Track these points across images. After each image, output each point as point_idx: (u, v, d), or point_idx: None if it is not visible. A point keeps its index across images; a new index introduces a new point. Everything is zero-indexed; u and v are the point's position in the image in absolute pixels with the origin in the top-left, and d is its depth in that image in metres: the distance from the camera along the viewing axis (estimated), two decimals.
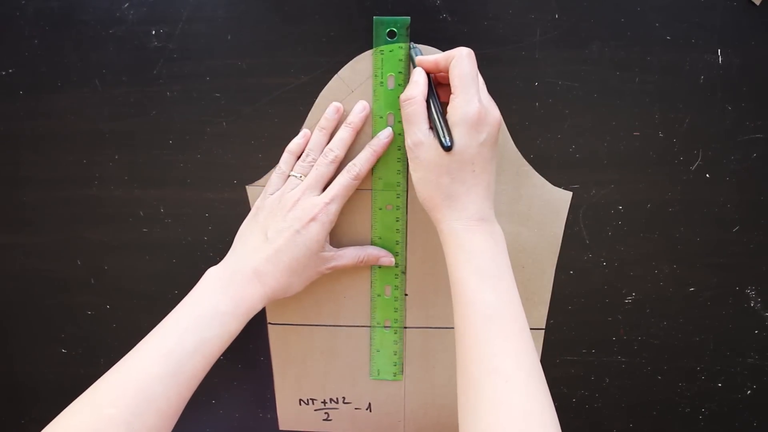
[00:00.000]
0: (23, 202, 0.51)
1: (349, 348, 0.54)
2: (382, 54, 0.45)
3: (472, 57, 0.41)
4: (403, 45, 0.45)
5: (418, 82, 0.43)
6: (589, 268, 0.51)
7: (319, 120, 0.47)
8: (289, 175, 0.47)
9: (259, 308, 0.45)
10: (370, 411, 0.56)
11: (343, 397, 0.56)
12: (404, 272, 0.51)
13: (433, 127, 0.42)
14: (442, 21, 0.44)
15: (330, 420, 0.57)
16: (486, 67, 0.45)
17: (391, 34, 0.45)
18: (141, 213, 0.51)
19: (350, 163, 0.46)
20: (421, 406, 0.55)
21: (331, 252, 0.47)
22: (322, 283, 0.50)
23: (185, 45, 0.46)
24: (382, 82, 0.46)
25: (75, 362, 0.56)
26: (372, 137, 0.47)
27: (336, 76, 0.46)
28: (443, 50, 0.45)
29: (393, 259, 0.50)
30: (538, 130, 0.47)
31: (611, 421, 0.56)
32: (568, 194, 0.49)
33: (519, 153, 0.47)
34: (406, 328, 0.53)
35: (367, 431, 0.57)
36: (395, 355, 0.53)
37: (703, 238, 0.50)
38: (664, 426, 0.56)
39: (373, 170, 0.48)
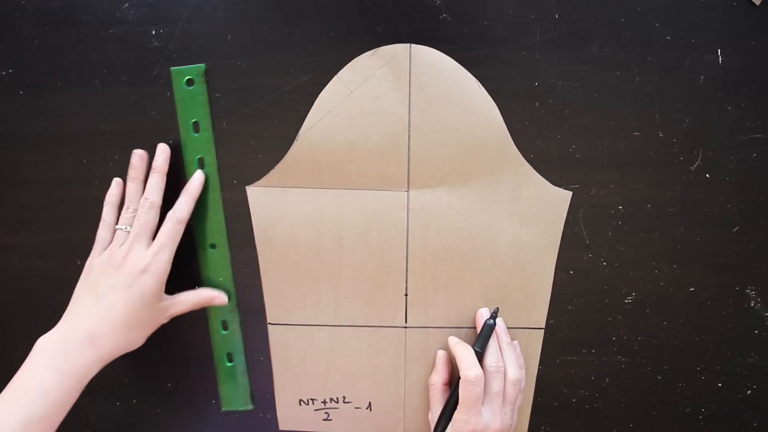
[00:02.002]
0: (23, 202, 0.51)
1: (349, 348, 0.54)
2: (184, 102, 0.47)
3: (479, 381, 0.47)
4: (202, 91, 0.47)
5: (438, 368, 0.52)
6: (589, 268, 0.51)
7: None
8: (116, 229, 0.47)
9: (92, 374, 0.44)
10: (371, 410, 0.56)
11: (344, 397, 0.56)
12: (236, 307, 0.53)
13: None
14: (442, 21, 0.44)
15: (330, 420, 0.57)
16: (486, 67, 0.45)
17: (190, 82, 0.46)
18: None
19: (171, 211, 0.47)
20: (421, 406, 0.55)
21: (167, 300, 0.48)
22: (323, 283, 0.50)
23: (185, 45, 0.46)
24: (188, 129, 0.48)
25: None
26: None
27: (335, 77, 0.46)
28: (443, 50, 0.45)
29: (225, 298, 0.51)
30: (538, 130, 0.47)
31: (611, 421, 0.56)
32: (568, 194, 0.49)
33: (519, 153, 0.47)
34: (406, 327, 0.53)
35: (367, 431, 0.57)
36: (242, 386, 0.55)
37: (703, 238, 0.50)
38: (664, 426, 0.56)
39: (193, 214, 0.49)
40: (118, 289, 0.45)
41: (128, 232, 0.46)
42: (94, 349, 0.44)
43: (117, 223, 0.47)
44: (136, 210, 0.47)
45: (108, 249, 0.47)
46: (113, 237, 0.47)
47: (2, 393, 0.42)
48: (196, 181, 0.48)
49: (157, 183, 0.47)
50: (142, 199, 0.47)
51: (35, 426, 0.40)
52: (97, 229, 0.48)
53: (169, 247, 0.46)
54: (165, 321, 0.48)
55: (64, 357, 0.43)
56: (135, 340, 0.46)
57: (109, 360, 0.45)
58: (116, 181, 0.48)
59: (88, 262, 0.48)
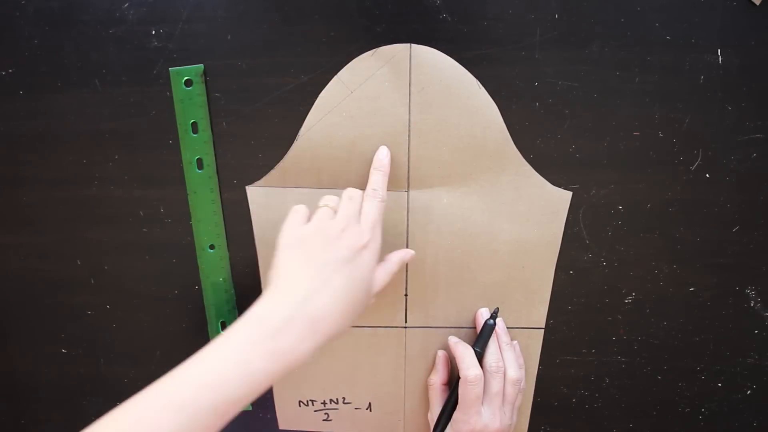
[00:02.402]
0: (23, 202, 0.51)
1: (348, 348, 0.54)
2: (182, 103, 0.47)
3: (478, 381, 0.47)
4: (201, 92, 0.46)
5: (437, 368, 0.52)
6: (589, 268, 0.51)
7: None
8: (318, 206, 0.44)
9: (305, 361, 0.38)
10: (370, 411, 0.56)
11: (343, 398, 0.56)
12: (235, 307, 0.53)
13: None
14: (442, 21, 0.44)
15: (330, 420, 0.57)
16: (486, 67, 0.45)
17: (188, 83, 0.46)
18: (141, 213, 0.51)
19: (370, 189, 0.45)
20: (421, 406, 0.55)
21: (379, 272, 0.44)
22: None
23: (185, 45, 0.46)
24: (186, 130, 0.47)
25: (75, 362, 0.56)
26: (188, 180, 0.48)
27: (335, 77, 0.46)
28: (443, 50, 0.45)
29: (412, 252, 0.48)
30: (538, 130, 0.47)
31: (611, 421, 0.56)
32: (568, 194, 0.49)
33: (519, 153, 0.47)
34: (406, 328, 0.53)
35: (367, 431, 0.57)
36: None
37: (703, 238, 0.50)
38: (664, 426, 0.56)
39: (192, 214, 0.49)
40: (338, 263, 0.39)
41: (334, 210, 0.42)
42: (312, 332, 0.38)
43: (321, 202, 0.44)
44: (339, 195, 0.44)
45: (314, 221, 0.42)
46: (311, 213, 0.43)
47: (193, 363, 0.37)
48: (384, 157, 0.46)
49: (383, 179, 0.45)
50: (351, 189, 0.44)
51: (230, 408, 0.35)
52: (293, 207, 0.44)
53: (379, 225, 0.43)
54: (370, 304, 0.43)
55: (279, 339, 0.37)
56: (347, 324, 0.40)
57: (321, 346, 0.39)
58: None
59: (288, 232, 0.42)
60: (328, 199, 0.44)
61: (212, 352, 0.37)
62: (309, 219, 0.43)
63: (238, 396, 0.36)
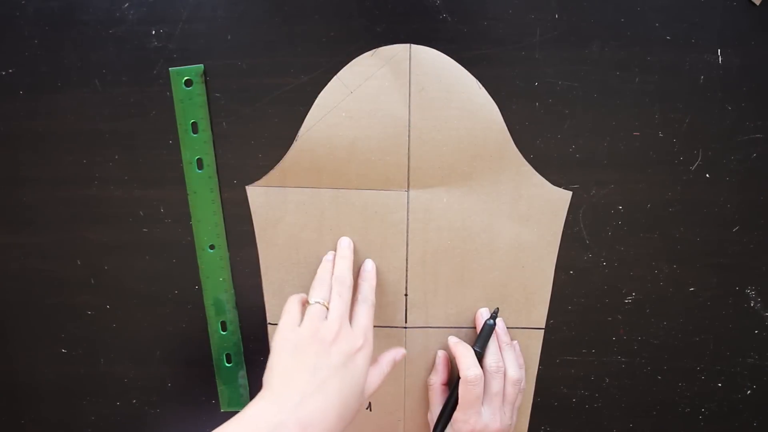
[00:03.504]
0: (23, 202, 0.51)
1: None
2: (182, 103, 0.47)
3: (479, 381, 0.47)
4: (201, 92, 0.47)
5: (437, 368, 0.52)
6: (589, 268, 0.51)
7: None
8: (310, 303, 0.44)
9: None
10: (370, 411, 0.56)
11: None
12: (235, 307, 0.53)
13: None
14: (442, 21, 0.44)
15: None
16: (486, 67, 0.45)
17: (188, 83, 0.46)
18: (141, 213, 0.51)
19: (360, 296, 0.46)
20: (421, 406, 0.55)
21: (372, 374, 0.44)
22: None
23: (185, 45, 0.46)
24: (186, 130, 0.47)
25: (75, 362, 0.56)
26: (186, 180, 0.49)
27: (335, 77, 0.46)
28: (443, 50, 0.45)
29: (404, 351, 0.49)
30: (538, 130, 0.47)
31: (611, 421, 0.56)
32: (568, 194, 0.49)
33: (519, 153, 0.47)
34: (406, 328, 0.53)
35: (367, 431, 0.57)
36: (242, 386, 0.55)
37: (703, 238, 0.50)
38: (664, 426, 0.56)
39: (192, 214, 0.50)
40: (332, 369, 0.40)
41: (326, 307, 0.43)
42: None
43: (311, 297, 0.44)
44: (329, 287, 0.45)
45: (307, 324, 0.42)
46: (304, 311, 0.44)
47: None
48: (369, 271, 0.49)
49: (349, 267, 0.47)
50: (342, 279, 0.45)
51: None
52: (286, 303, 0.45)
53: (371, 328, 0.44)
54: (364, 406, 0.46)
55: None
56: (340, 429, 0.40)
57: None
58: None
59: (282, 336, 0.42)
60: (318, 294, 0.44)
61: None
62: (301, 318, 0.43)
63: None
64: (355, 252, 0.50)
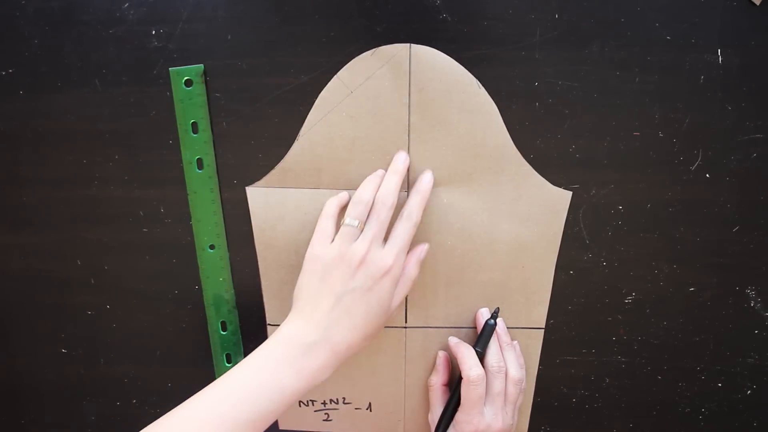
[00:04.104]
0: (23, 202, 0.51)
1: None
2: (182, 103, 0.47)
3: (481, 381, 0.47)
4: (201, 92, 0.47)
5: (438, 369, 0.52)
6: (589, 268, 0.51)
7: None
8: (343, 223, 0.44)
9: (326, 379, 0.42)
10: (370, 411, 0.56)
11: (344, 398, 0.56)
12: (235, 307, 0.52)
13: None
14: (442, 21, 0.44)
15: (330, 420, 0.57)
16: (486, 67, 0.45)
17: (188, 83, 0.46)
18: (141, 213, 0.51)
19: (406, 211, 0.44)
20: (421, 407, 0.55)
21: (398, 289, 0.45)
22: None
23: (185, 45, 0.46)
24: (186, 130, 0.47)
25: (75, 362, 0.56)
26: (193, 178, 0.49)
27: (335, 77, 0.46)
28: (443, 50, 0.45)
29: (426, 246, 0.48)
30: (538, 130, 0.47)
31: (611, 421, 0.56)
32: (568, 194, 0.49)
33: (519, 153, 0.47)
34: (406, 328, 0.53)
35: (367, 431, 0.57)
36: None
37: (703, 238, 0.50)
38: (664, 426, 0.56)
39: (192, 214, 0.50)
40: (357, 293, 0.42)
41: (360, 228, 0.43)
42: (333, 355, 0.42)
43: (346, 217, 0.44)
44: (367, 206, 0.44)
45: (337, 244, 0.43)
46: (336, 229, 0.44)
47: (227, 379, 0.40)
48: (426, 183, 0.46)
49: (398, 185, 0.45)
50: (384, 197, 0.44)
51: (262, 422, 0.39)
52: (319, 219, 0.45)
53: (406, 250, 0.44)
54: (392, 317, 0.46)
55: (304, 360, 0.41)
56: (365, 345, 0.44)
57: (341, 364, 0.43)
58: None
59: (312, 253, 0.44)
60: (353, 213, 0.43)
61: (247, 369, 0.41)
62: (335, 233, 0.44)
63: (271, 410, 0.40)
64: None
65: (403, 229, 0.44)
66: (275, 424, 0.57)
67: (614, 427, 0.56)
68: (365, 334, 0.43)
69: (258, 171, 0.49)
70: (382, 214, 0.43)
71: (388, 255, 0.43)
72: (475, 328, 0.52)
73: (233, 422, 0.38)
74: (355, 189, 0.48)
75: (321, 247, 0.44)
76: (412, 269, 0.46)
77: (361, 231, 0.43)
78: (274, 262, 0.51)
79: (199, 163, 0.49)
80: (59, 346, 0.56)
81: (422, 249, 0.48)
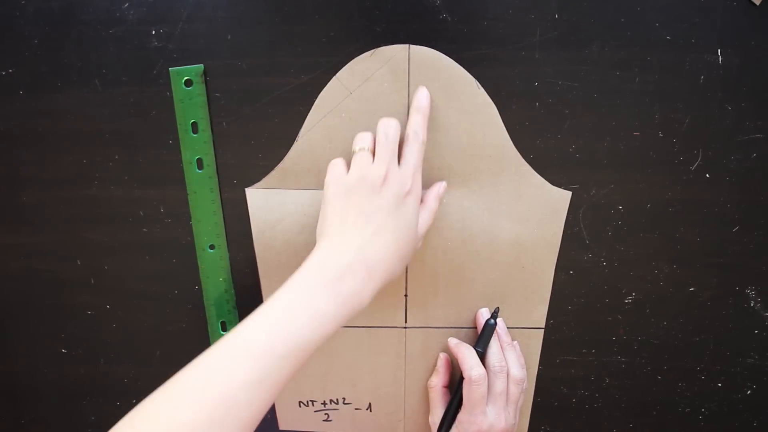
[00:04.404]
0: (23, 202, 0.51)
1: (348, 349, 0.54)
2: (182, 103, 0.47)
3: (483, 381, 0.47)
4: (201, 92, 0.46)
5: (438, 370, 0.52)
6: (589, 268, 0.51)
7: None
8: (354, 150, 0.43)
9: (365, 306, 0.40)
10: (370, 411, 0.56)
11: (344, 398, 0.56)
12: (235, 307, 0.53)
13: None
14: (442, 21, 0.44)
15: (330, 420, 0.57)
16: (486, 67, 0.45)
17: (188, 83, 0.46)
18: (141, 213, 0.51)
19: (410, 130, 0.43)
20: (422, 407, 0.55)
21: (422, 215, 0.44)
22: None
23: (185, 45, 0.46)
24: (186, 130, 0.47)
25: (75, 362, 0.56)
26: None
27: (334, 78, 0.46)
28: (443, 50, 0.45)
29: (444, 184, 0.47)
30: (538, 130, 0.47)
31: (611, 421, 0.56)
32: (568, 194, 0.49)
33: (518, 153, 0.47)
34: (406, 328, 0.53)
35: (367, 431, 0.57)
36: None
37: (703, 238, 0.50)
38: (664, 426, 0.56)
39: (192, 214, 0.50)
40: (384, 211, 0.40)
41: (371, 153, 0.42)
42: (371, 278, 0.39)
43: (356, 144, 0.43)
44: (372, 136, 0.43)
45: (355, 169, 0.42)
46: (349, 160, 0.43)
47: (261, 312, 0.38)
48: (424, 99, 0.44)
49: (424, 122, 0.44)
50: (384, 122, 0.43)
51: (302, 352, 0.37)
52: (331, 162, 0.44)
53: (420, 170, 0.43)
54: (419, 246, 0.45)
55: (342, 284, 0.38)
56: (399, 269, 0.42)
57: (378, 290, 0.40)
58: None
59: (332, 182, 0.42)
60: (363, 140, 0.43)
61: (280, 299, 0.38)
62: (348, 166, 0.43)
63: (309, 340, 0.37)
64: None
65: (412, 150, 0.43)
66: (275, 424, 0.57)
67: (614, 427, 0.56)
68: (399, 256, 0.41)
69: (258, 171, 0.49)
70: (390, 134, 0.42)
71: (406, 175, 0.42)
72: (475, 328, 0.52)
73: (270, 356, 0.35)
74: None
75: (340, 177, 0.42)
76: (433, 202, 0.46)
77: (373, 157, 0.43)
78: (274, 263, 0.51)
79: (199, 163, 0.49)
80: (59, 346, 0.56)
81: (441, 185, 0.47)
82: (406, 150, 0.43)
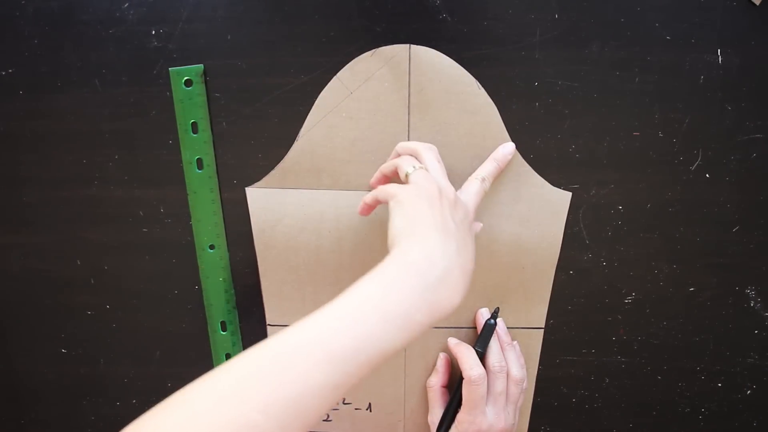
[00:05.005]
0: (23, 202, 0.51)
1: None
2: (182, 103, 0.47)
3: (482, 381, 0.47)
4: (201, 92, 0.47)
5: (438, 370, 0.52)
6: (589, 268, 0.51)
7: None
8: (407, 172, 0.42)
9: (450, 314, 0.37)
10: (370, 411, 0.56)
11: (343, 398, 0.56)
12: (235, 307, 0.53)
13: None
14: (442, 21, 0.44)
15: (330, 420, 0.57)
16: (486, 67, 0.45)
17: (188, 83, 0.46)
18: (141, 213, 0.51)
19: (480, 175, 0.45)
20: (421, 407, 0.55)
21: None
22: (322, 284, 0.50)
23: (185, 45, 0.46)
24: (186, 130, 0.47)
25: (75, 362, 0.56)
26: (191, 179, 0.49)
27: (335, 77, 0.46)
28: (443, 50, 0.45)
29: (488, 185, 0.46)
30: (538, 130, 0.47)
31: (611, 421, 0.56)
32: (568, 194, 0.49)
33: (518, 153, 0.47)
34: None
35: (367, 431, 0.57)
36: None
37: (703, 238, 0.50)
38: (664, 426, 0.56)
39: (192, 214, 0.50)
40: (465, 226, 0.39)
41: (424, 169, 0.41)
42: (464, 285, 0.37)
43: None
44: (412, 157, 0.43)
45: (426, 184, 0.40)
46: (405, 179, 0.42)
47: (354, 313, 0.34)
48: (507, 152, 0.46)
49: (495, 172, 0.46)
50: (428, 146, 0.44)
51: (381, 359, 0.33)
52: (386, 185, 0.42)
53: (474, 211, 0.43)
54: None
55: (440, 292, 0.35)
56: (466, 289, 0.38)
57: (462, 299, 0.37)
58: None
59: (410, 189, 0.40)
60: (412, 160, 0.42)
61: (372, 302, 0.34)
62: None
63: (394, 348, 0.34)
64: (354, 253, 0.50)
65: (476, 190, 0.44)
66: None
67: (614, 427, 0.56)
68: (470, 270, 0.38)
69: (258, 171, 0.49)
70: (439, 159, 0.43)
71: (470, 202, 0.43)
72: (475, 328, 0.52)
73: (351, 362, 0.32)
74: (355, 189, 0.49)
75: (414, 186, 0.40)
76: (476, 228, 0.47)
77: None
78: (274, 263, 0.51)
79: (199, 163, 0.49)
80: (59, 346, 0.56)
81: (477, 226, 0.48)
82: (470, 187, 0.44)
